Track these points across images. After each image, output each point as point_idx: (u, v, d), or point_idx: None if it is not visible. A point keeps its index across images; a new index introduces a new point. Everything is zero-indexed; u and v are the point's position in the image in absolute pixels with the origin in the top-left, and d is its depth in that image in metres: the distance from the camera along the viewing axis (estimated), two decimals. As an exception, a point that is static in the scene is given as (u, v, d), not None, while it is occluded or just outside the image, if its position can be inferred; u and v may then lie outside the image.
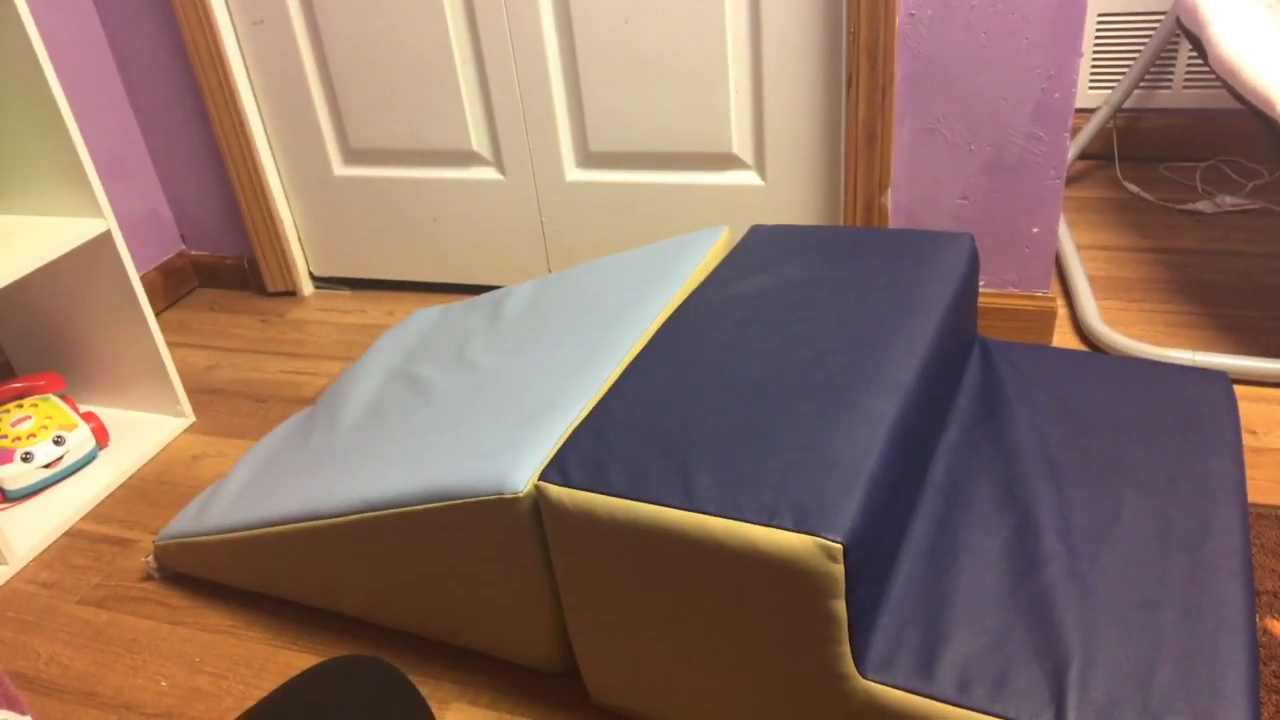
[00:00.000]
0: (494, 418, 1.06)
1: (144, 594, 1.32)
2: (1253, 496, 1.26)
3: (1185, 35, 1.72)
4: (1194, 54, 2.05)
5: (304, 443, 1.35)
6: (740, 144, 1.64)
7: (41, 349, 1.70)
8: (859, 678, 0.84)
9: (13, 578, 1.37)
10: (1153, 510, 0.99)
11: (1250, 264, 1.77)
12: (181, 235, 2.13)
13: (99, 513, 1.49)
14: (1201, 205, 1.98)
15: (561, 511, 0.89)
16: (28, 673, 1.21)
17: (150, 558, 1.34)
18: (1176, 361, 1.43)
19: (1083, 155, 2.21)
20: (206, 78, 1.84)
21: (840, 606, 0.81)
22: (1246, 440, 1.35)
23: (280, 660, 1.18)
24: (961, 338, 1.19)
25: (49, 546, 1.43)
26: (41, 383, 1.59)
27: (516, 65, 1.69)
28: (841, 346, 1.02)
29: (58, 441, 1.51)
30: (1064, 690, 0.81)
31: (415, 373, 1.34)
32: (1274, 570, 1.12)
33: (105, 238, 1.50)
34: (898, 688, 0.84)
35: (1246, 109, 1.52)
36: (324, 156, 1.92)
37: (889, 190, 1.53)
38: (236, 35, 1.83)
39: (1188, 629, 0.86)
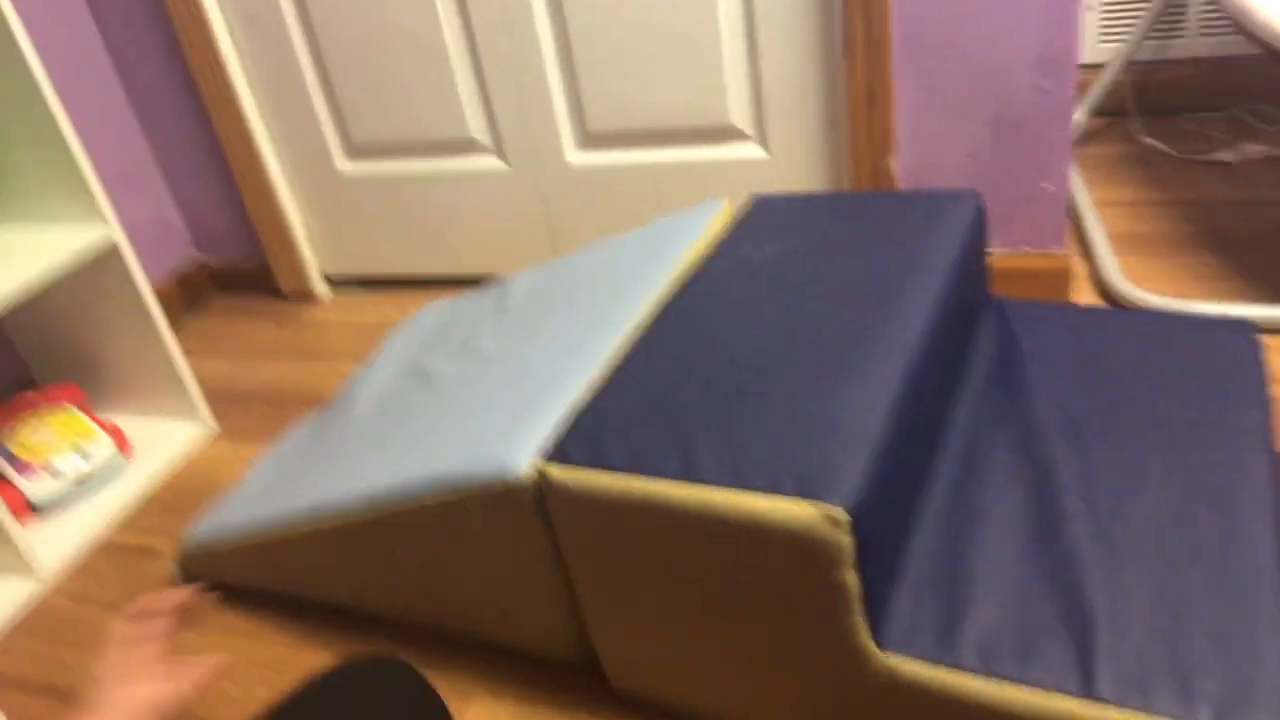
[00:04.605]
0: (495, 403, 1.04)
1: (165, 599, 1.32)
2: (1285, 447, 1.21)
3: (1197, -22, 1.67)
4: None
5: (317, 442, 1.35)
6: (739, 115, 1.61)
7: (61, 361, 1.71)
8: (877, 651, 0.82)
9: (43, 590, 1.38)
10: (1179, 465, 0.96)
11: (1277, 212, 1.72)
12: (194, 242, 2.14)
13: (124, 522, 1.49)
14: (1224, 155, 1.92)
15: (563, 492, 0.88)
16: (60, 684, 1.22)
17: (174, 564, 1.35)
18: (1202, 314, 1.39)
19: (1097, 112, 2.15)
20: (205, 81, 1.84)
21: (851, 576, 0.79)
22: (1275, 391, 1.31)
23: (303, 661, 1.18)
24: (971, 297, 1.16)
25: (77, 558, 1.43)
26: (59, 394, 1.60)
27: (510, 49, 1.67)
28: (843, 311, 0.99)
29: (80, 453, 1.52)
30: (1092, 654, 0.78)
31: (424, 365, 1.33)
32: (1310, 522, 1.09)
33: (112, 247, 1.50)
34: (919, 659, 0.81)
35: (1263, 50, 1.46)
36: (326, 153, 1.92)
37: (893, 153, 1.49)
38: (232, 35, 1.83)
39: (1219, 586, 0.83)
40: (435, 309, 1.55)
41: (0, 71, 1.38)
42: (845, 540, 0.76)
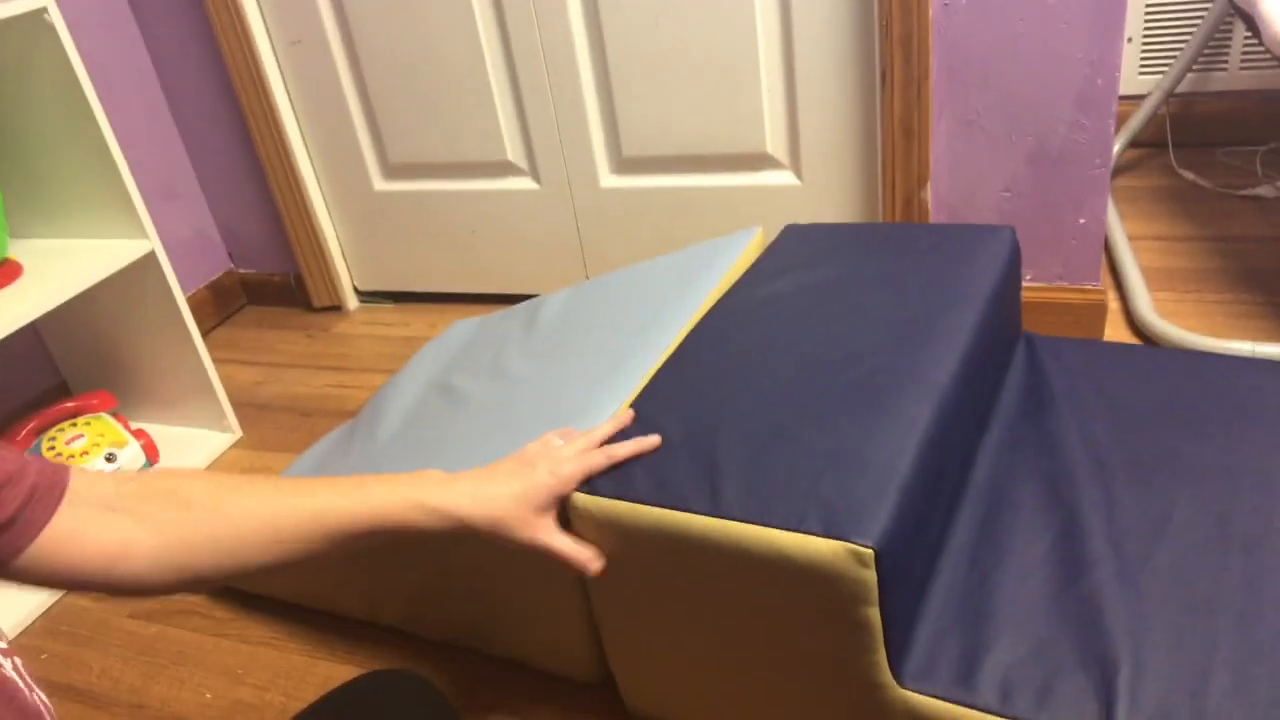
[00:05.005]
0: (523, 426, 1.05)
1: (190, 607, 1.33)
2: (1320, 493, 1.19)
3: (1239, 14, 1.66)
4: (1250, 34, 1.97)
5: (344, 455, 1.36)
6: (774, 144, 1.62)
7: (95, 368, 1.74)
8: (896, 687, 0.82)
9: (66, 593, 1.40)
10: (1208, 509, 0.95)
11: (1315, 250, 1.70)
12: (230, 254, 2.17)
13: (149, 528, 1.51)
14: (1263, 190, 1.90)
15: (588, 519, 0.88)
16: (80, 685, 1.24)
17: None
18: (1235, 353, 1.37)
19: (1134, 143, 2.14)
20: (248, 99, 1.87)
21: (874, 614, 0.78)
22: (1313, 434, 1.29)
23: (320, 671, 1.19)
24: (1004, 333, 1.15)
25: (101, 562, 1.45)
26: (94, 401, 1.62)
27: (548, 74, 1.69)
28: (875, 346, 0.99)
29: (109, 459, 1.55)
30: (1113, 698, 0.77)
31: (452, 383, 1.34)
32: (1344, 570, 1.07)
33: (150, 258, 1.53)
34: (937, 697, 0.81)
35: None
36: (364, 172, 1.94)
37: (928, 185, 1.49)
38: (276, 56, 1.86)
39: (1246, 634, 0.81)
40: (463, 327, 1.56)
41: (54, 94, 1.42)
42: (870, 577, 0.76)
